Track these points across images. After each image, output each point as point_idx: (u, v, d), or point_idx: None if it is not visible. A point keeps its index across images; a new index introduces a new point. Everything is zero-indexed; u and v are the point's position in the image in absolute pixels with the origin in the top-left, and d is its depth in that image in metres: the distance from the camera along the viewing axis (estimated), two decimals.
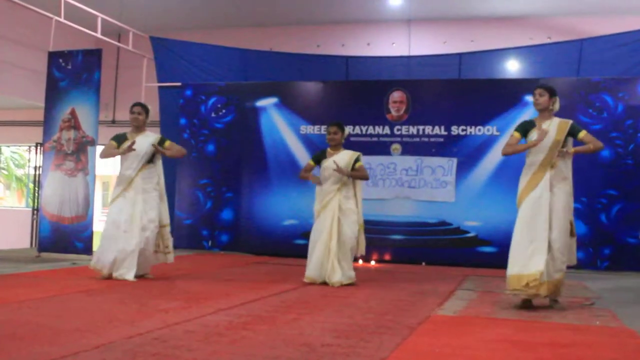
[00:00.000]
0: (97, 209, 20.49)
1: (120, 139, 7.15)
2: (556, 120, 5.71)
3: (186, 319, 4.56)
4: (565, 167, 5.66)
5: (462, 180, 9.58)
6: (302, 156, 10.15)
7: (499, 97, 9.63)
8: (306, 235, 9.79)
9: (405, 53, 11.78)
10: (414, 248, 9.70)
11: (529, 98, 9.21)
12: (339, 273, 6.71)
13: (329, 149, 7.08)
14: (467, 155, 9.59)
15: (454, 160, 9.62)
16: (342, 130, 7.10)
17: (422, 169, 9.71)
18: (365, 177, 7.09)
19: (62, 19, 9.58)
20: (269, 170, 10.43)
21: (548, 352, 3.88)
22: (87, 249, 8.86)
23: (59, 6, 9.55)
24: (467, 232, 9.51)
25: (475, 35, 11.57)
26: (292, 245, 10.06)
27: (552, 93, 5.77)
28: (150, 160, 7.09)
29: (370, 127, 9.99)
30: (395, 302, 5.76)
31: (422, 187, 9.70)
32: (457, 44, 11.42)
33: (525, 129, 5.81)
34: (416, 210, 9.74)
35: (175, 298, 5.53)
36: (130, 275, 6.62)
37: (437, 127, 9.74)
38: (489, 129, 9.55)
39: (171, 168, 11.07)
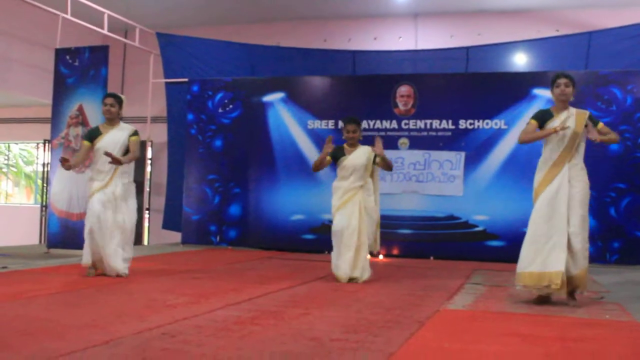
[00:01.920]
0: None
1: (93, 134, 6.81)
2: (573, 111, 5.58)
3: (195, 314, 4.56)
4: (581, 160, 5.57)
5: (470, 174, 9.55)
6: (310, 151, 10.16)
7: (507, 90, 9.60)
8: (314, 230, 9.91)
9: (412, 47, 11.75)
10: (422, 242, 9.69)
11: (537, 91, 9.22)
12: (365, 270, 6.73)
13: (345, 146, 6.89)
14: (475, 149, 9.57)
15: (462, 154, 9.60)
16: (360, 127, 6.94)
17: (430, 163, 9.69)
18: (389, 165, 6.92)
19: (68, 16, 9.61)
20: (277, 166, 10.43)
21: (557, 346, 3.86)
22: None
23: (65, 3, 9.59)
24: (476, 226, 9.49)
25: (482, 28, 11.53)
26: (300, 240, 10.07)
27: (574, 83, 5.65)
28: (126, 153, 6.75)
29: (378, 122, 9.98)
30: (403, 296, 5.75)
31: (430, 182, 9.68)
32: (464, 37, 11.39)
33: (543, 118, 5.62)
34: (424, 205, 9.73)
35: (183, 293, 5.53)
36: (125, 270, 6.56)
37: (444, 121, 9.72)
38: (496, 123, 9.52)
39: (179, 164, 11.12)
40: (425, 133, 9.79)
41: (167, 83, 11.62)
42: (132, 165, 6.92)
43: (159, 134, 12.42)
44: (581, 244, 5.36)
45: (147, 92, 11.71)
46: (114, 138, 6.69)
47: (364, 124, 9.95)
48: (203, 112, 10.82)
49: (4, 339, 3.65)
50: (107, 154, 6.45)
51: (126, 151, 6.73)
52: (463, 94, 9.84)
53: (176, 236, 11.36)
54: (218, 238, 10.64)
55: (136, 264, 7.86)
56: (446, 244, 9.63)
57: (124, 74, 13.64)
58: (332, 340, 3.82)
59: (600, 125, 5.58)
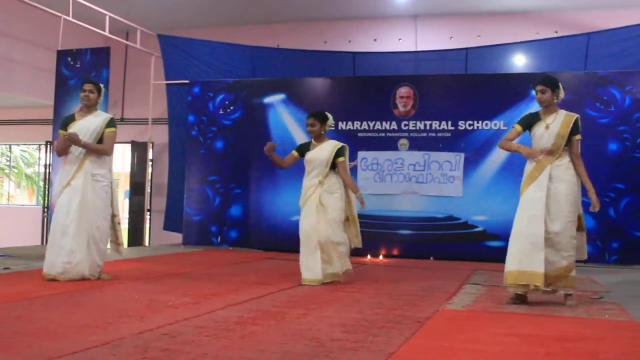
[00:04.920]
0: None
1: (67, 121, 6.50)
2: (562, 114, 5.57)
3: (196, 314, 4.59)
4: (568, 160, 5.53)
5: (470, 175, 9.58)
6: None
7: (506, 91, 9.62)
8: None
9: (411, 48, 11.78)
10: (422, 243, 9.71)
11: None
12: (343, 264, 6.55)
13: (312, 141, 6.81)
14: (475, 150, 9.59)
15: (462, 155, 9.63)
16: (321, 121, 6.75)
17: (430, 164, 9.71)
18: (347, 180, 6.66)
19: (70, 18, 9.64)
20: (277, 167, 10.43)
21: (557, 346, 3.88)
22: None
23: (67, 5, 9.62)
24: (475, 226, 9.51)
25: (481, 30, 11.56)
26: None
27: (554, 86, 5.59)
28: (102, 142, 6.43)
29: (378, 123, 10.00)
30: (403, 296, 5.78)
31: (430, 182, 9.71)
32: (463, 39, 11.41)
33: (529, 122, 5.66)
34: (424, 205, 9.75)
35: (184, 294, 5.56)
36: (84, 274, 6.21)
37: (444, 122, 9.74)
38: (496, 124, 9.54)
39: (180, 165, 11.16)
40: (424, 134, 9.81)
41: (168, 85, 11.65)
42: (107, 158, 6.50)
43: (160, 135, 12.45)
44: (563, 244, 5.34)
45: (149, 93, 11.74)
46: (87, 124, 6.37)
47: (364, 125, 9.99)
48: (204, 114, 10.85)
49: (6, 340, 3.68)
50: (69, 135, 6.15)
51: (101, 141, 6.44)
52: (462, 95, 9.87)
53: (177, 237, 11.39)
54: (219, 239, 10.66)
55: (137, 265, 7.91)
56: (446, 244, 9.66)
57: (125, 76, 13.68)
58: (333, 340, 3.85)
59: (578, 137, 5.52)
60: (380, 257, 9.61)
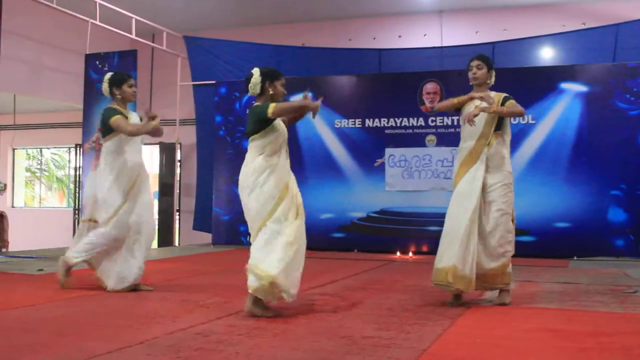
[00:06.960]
0: None
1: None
2: (491, 96, 5.33)
3: (227, 313, 4.62)
4: (504, 147, 5.24)
5: None
6: (338, 150, 10.20)
7: (534, 85, 9.52)
8: (343, 228, 9.98)
9: (437, 44, 11.72)
10: None
11: (565, 85, 9.17)
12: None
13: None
14: None
15: None
16: None
17: None
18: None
19: (97, 22, 9.75)
20: (305, 165, 10.45)
21: (591, 341, 3.85)
22: None
23: (94, 9, 9.73)
24: None
25: (507, 24, 11.46)
26: (329, 238, 10.09)
27: (490, 64, 5.40)
28: None
29: (405, 119, 9.97)
30: (434, 293, 5.75)
31: None
32: (489, 33, 11.33)
33: (463, 101, 5.48)
34: None
35: (215, 293, 5.60)
36: None
37: None
38: (524, 118, 9.44)
39: (209, 165, 11.22)
40: (452, 129, 9.75)
41: (194, 85, 11.73)
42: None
43: (187, 135, 12.54)
44: (497, 241, 5.01)
45: (175, 95, 11.84)
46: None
47: (392, 122, 9.98)
48: (231, 114, 10.91)
49: (41, 340, 3.74)
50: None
51: None
52: (490, 89, 9.77)
53: (206, 237, 11.46)
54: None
55: (168, 265, 7.98)
56: None
57: (152, 78, 13.79)
58: (364, 337, 3.86)
59: (508, 102, 5.20)
60: (410, 254, 9.58)
